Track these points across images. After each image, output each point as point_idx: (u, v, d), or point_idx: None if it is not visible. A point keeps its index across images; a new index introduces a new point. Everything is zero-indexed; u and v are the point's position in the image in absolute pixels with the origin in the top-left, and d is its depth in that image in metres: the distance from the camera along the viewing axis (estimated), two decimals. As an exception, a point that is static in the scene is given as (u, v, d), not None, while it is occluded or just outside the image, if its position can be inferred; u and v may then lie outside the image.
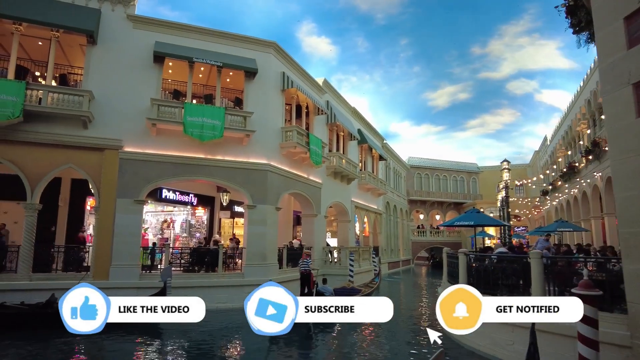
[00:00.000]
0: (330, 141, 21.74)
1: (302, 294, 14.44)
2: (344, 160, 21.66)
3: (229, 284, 14.24)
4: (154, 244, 16.60)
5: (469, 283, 9.57)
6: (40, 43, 14.12)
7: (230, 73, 16.16)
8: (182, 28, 15.41)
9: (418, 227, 43.68)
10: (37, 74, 15.58)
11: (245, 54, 15.95)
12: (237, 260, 15.75)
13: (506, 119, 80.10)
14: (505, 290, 8.60)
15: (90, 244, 13.94)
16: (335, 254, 20.11)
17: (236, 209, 20.62)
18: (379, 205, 30.57)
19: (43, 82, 14.05)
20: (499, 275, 8.88)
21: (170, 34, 15.01)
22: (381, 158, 29.42)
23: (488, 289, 8.64)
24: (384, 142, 33.42)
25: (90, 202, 15.60)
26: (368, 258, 23.05)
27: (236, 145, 15.13)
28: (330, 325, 12.02)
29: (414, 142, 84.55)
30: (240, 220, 20.95)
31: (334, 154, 21.20)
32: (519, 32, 71.93)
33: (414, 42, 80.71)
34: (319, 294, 13.03)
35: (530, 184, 30.74)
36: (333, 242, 24.30)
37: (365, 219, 28.01)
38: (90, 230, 15.61)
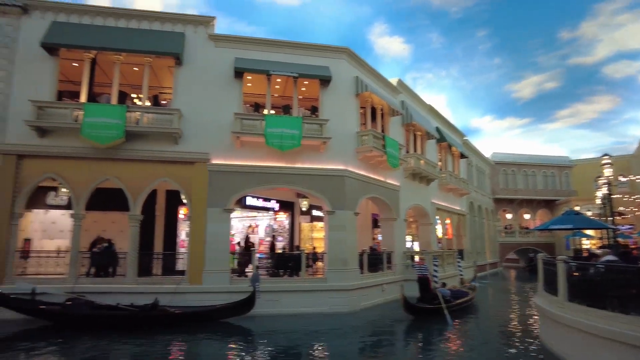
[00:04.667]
0: (407, 142, 21.22)
1: (422, 298, 14.54)
2: (422, 161, 21.01)
3: (313, 289, 14.48)
4: (239, 243, 17.41)
5: (571, 294, 8.70)
6: (136, 69, 15.58)
7: (306, 82, 16.50)
8: (259, 42, 16.06)
9: (505, 228, 40.97)
10: (133, 96, 17.26)
11: (318, 62, 16.18)
12: (312, 264, 15.99)
13: (603, 106, 72.30)
14: (616, 304, 7.62)
15: (185, 250, 15.07)
16: (417, 259, 19.54)
17: (315, 213, 20.96)
18: (462, 205, 29.18)
19: (139, 104, 15.50)
20: (609, 286, 7.90)
21: (248, 49, 15.72)
22: (462, 156, 28.08)
23: (595, 302, 7.76)
24: (465, 138, 31.86)
25: (183, 211, 16.85)
26: (453, 262, 22.08)
27: (314, 153, 15.38)
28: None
29: (498, 137, 79.71)
30: (319, 224, 21.29)
31: (412, 155, 20.65)
32: (618, 9, 64.54)
33: (493, 33, 76.23)
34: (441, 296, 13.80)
35: (638, 180, 27.24)
36: (414, 246, 23.66)
37: (448, 221, 26.90)
38: (183, 237, 16.87)
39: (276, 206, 19.85)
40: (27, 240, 15.33)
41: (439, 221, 24.82)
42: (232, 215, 15.17)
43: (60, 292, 12.35)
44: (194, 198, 14.37)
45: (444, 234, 26.36)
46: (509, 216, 42.32)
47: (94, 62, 14.72)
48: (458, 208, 27.97)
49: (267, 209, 19.58)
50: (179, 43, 14.78)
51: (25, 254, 14.57)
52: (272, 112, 16.38)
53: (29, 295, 11.98)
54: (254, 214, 19.82)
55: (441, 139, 24.32)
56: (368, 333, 12.32)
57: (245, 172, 14.76)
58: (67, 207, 15.01)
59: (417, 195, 21.42)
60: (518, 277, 32.10)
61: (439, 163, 25.31)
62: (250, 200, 18.17)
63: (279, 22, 74.77)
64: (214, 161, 14.58)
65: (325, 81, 15.91)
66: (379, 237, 21.78)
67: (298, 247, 18.49)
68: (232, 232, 17.86)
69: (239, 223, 19.51)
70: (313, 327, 12.48)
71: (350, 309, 14.53)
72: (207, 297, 13.42)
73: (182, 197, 14.81)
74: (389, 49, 78.73)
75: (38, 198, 15.44)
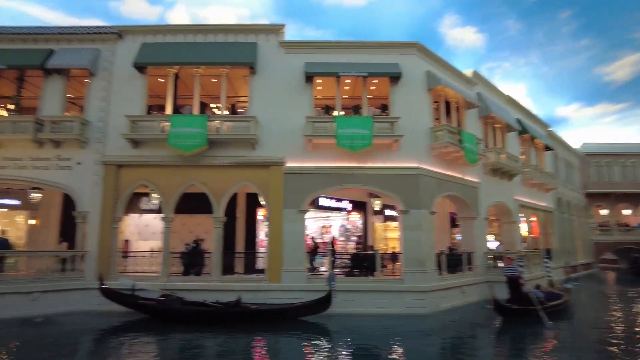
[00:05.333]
0: (486, 136, 20.14)
1: (512, 299, 14.02)
2: (503, 155, 19.80)
3: (389, 289, 14.32)
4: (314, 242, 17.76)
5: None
6: (214, 80, 16.58)
7: (375, 81, 16.41)
8: (327, 45, 16.29)
9: (600, 225, 37.13)
10: (213, 106, 18.38)
11: (388, 59, 15.98)
12: (387, 264, 15.80)
13: None
14: None
15: (264, 250, 15.72)
16: (502, 259, 18.45)
17: (388, 213, 20.71)
18: (549, 201, 27.00)
19: (218, 113, 16.48)
20: None
21: (317, 53, 15.99)
22: (547, 148, 25.99)
23: None
24: (549, 129, 29.47)
25: (261, 212, 17.60)
26: (539, 263, 20.52)
27: (385, 151, 15.21)
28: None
29: (587, 127, 72.60)
30: (393, 224, 21.00)
31: (491, 149, 19.55)
32: None
33: (579, 12, 69.68)
34: (534, 297, 13.26)
35: None
36: (495, 245, 22.36)
37: (533, 219, 25.06)
38: (262, 237, 17.62)
39: (349, 206, 19.95)
40: (126, 241, 17.00)
41: (523, 219, 23.21)
42: (307, 215, 15.50)
43: (155, 289, 13.54)
44: (270, 200, 14.94)
45: (529, 232, 24.57)
46: (603, 212, 38.26)
47: (176, 77, 15.95)
48: (544, 204, 25.93)
49: (339, 209, 19.75)
50: (252, 53, 15.48)
51: (125, 253, 16.19)
52: (342, 113, 16.50)
53: (129, 290, 13.31)
54: (327, 214, 20.10)
55: (523, 130, 22.74)
56: (449, 335, 11.93)
57: (317, 174, 15.04)
58: (158, 211, 16.40)
59: (499, 192, 20.23)
60: (618, 280, 28.87)
61: (522, 157, 23.68)
62: (323, 201, 18.47)
63: (346, 24, 75.06)
64: (288, 164, 15.05)
65: (395, 78, 15.67)
66: (458, 237, 20.92)
67: (372, 247, 18.40)
68: (307, 231, 18.31)
69: (313, 223, 19.91)
70: (390, 327, 12.35)
71: (428, 311, 14.15)
72: (286, 295, 13.88)
73: (260, 199, 15.46)
74: (461, 40, 75.39)
75: (133, 203, 17.08)
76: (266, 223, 15.34)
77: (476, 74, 20.23)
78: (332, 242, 16.98)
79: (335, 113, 15.81)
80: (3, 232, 15.73)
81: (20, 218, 19.36)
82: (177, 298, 13.03)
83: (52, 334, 11.48)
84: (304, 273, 14.56)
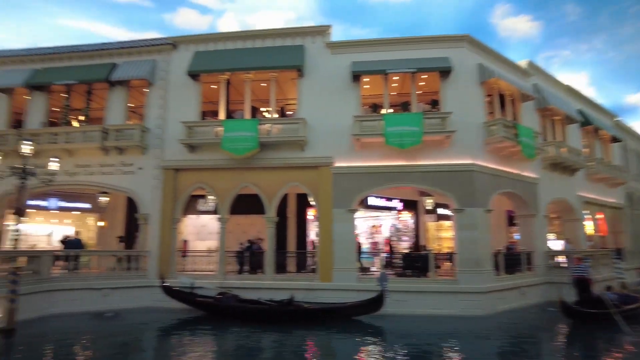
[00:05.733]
0: (544, 129, 19.05)
1: (581, 301, 13.40)
2: (563, 149, 18.63)
3: (443, 290, 13.95)
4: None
5: None
6: (263, 84, 17.00)
7: (424, 76, 16.07)
8: (373, 43, 16.15)
9: (680, 222, 33.82)
10: (263, 109, 18.86)
11: (437, 54, 15.59)
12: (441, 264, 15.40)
13: None
14: None
15: (313, 249, 15.89)
16: (563, 259, 17.38)
17: (441, 212, 20.17)
18: (618, 197, 25.03)
19: (268, 116, 16.89)
20: None
21: (363, 52, 15.92)
22: (614, 139, 24.09)
23: None
24: (616, 119, 27.29)
25: (312, 212, 17.82)
26: (608, 263, 19.09)
27: (437, 148, 14.84)
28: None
29: (662, 114, 66.47)
30: (446, 223, 20.41)
31: (550, 142, 18.47)
32: None
33: (648, -11, 63.78)
34: (607, 300, 12.57)
35: None
36: (557, 245, 21.08)
37: (600, 216, 23.34)
38: (312, 236, 17.83)
39: (399, 205, 19.66)
40: (185, 241, 17.85)
41: (588, 216, 21.69)
42: (356, 215, 15.48)
43: (212, 287, 14.12)
44: (320, 200, 15.09)
45: (596, 230, 22.92)
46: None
47: (228, 83, 16.52)
48: (612, 200, 24.06)
49: (390, 209, 19.52)
50: (300, 55, 15.71)
51: (184, 253, 17.01)
52: (391, 110, 16.30)
53: (188, 288, 13.98)
54: (377, 213, 19.94)
55: (585, 122, 21.26)
56: (508, 338, 11.44)
57: (366, 173, 14.97)
58: (214, 212, 17.06)
59: (560, 188, 19.06)
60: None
61: (585, 150, 22.14)
62: (372, 200, 18.34)
63: (393, 21, 73.81)
64: (337, 164, 15.11)
65: (445, 73, 15.26)
66: (516, 236, 19.96)
67: (425, 247, 18.03)
68: (357, 231, 18.28)
69: (363, 223, 19.83)
70: (445, 329, 12.05)
71: (484, 312, 13.63)
72: (337, 294, 13.95)
73: (310, 199, 15.65)
74: (514, 30, 71.66)
75: (191, 205, 17.89)
76: (316, 223, 15.50)
77: (532, 65, 19.20)
78: (389, 243, 16.81)
79: (384, 111, 15.67)
80: (77, 233, 17.09)
81: (90, 220, 20.94)
82: (233, 296, 13.51)
83: (120, 328, 12.35)
84: (355, 273, 14.55)
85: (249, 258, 15.65)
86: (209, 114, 17.85)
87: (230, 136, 14.86)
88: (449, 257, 15.58)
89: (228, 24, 63.01)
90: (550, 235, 20.47)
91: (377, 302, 12.67)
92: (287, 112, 18.20)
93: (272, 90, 15.96)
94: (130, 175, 16.29)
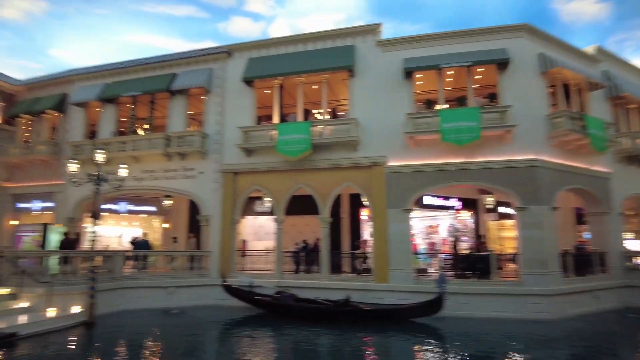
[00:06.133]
0: (617, 119, 17.58)
1: None
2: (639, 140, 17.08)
3: (506, 293, 13.31)
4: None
5: None
6: (315, 87, 17.19)
7: (480, 69, 15.45)
8: (425, 39, 15.76)
9: None
10: (315, 111, 19.07)
11: (493, 45, 14.93)
12: (504, 265, 14.68)
13: None
14: None
15: (367, 250, 15.80)
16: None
17: (503, 210, 19.24)
18: None
19: (320, 118, 17.05)
20: None
21: (415, 48, 15.61)
22: (701, 128, 21.68)
23: None
24: None
25: (365, 212, 17.73)
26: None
27: (496, 144, 14.20)
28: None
29: None
30: (509, 222, 19.45)
31: (624, 133, 17.00)
32: None
33: None
34: None
35: None
36: (636, 245, 19.33)
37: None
38: (366, 237, 17.73)
39: (457, 204, 19.01)
40: (244, 242, 18.46)
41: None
42: (412, 215, 15.19)
43: (270, 286, 14.49)
44: (374, 200, 14.98)
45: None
46: None
47: (281, 87, 16.89)
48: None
49: (447, 208, 18.93)
50: (350, 56, 15.72)
51: (243, 253, 17.59)
52: (446, 106, 15.83)
53: (248, 287, 14.45)
54: (434, 213, 19.41)
55: (666, 109, 19.32)
56: (580, 344, 10.68)
57: (421, 172, 14.65)
58: (271, 213, 17.50)
59: (637, 183, 17.49)
60: None
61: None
62: (428, 200, 17.87)
63: (445, 15, 71.43)
64: (391, 163, 14.93)
65: (503, 64, 14.58)
66: (586, 235, 18.59)
67: (486, 248, 17.30)
68: (413, 231, 17.93)
69: (419, 223, 19.40)
70: (509, 333, 11.48)
71: (552, 316, 12.82)
72: (393, 295, 13.78)
73: (364, 199, 15.59)
74: (580, 14, 66.71)
75: (249, 206, 18.46)
76: (370, 223, 15.40)
77: (600, 50, 17.79)
78: (450, 243, 16.33)
79: (438, 107, 15.25)
80: (144, 234, 18.25)
81: (156, 222, 22.26)
82: (291, 295, 13.78)
83: (186, 324, 13.01)
84: (412, 274, 14.28)
85: (305, 258, 15.89)
86: (264, 118, 18.36)
87: (284, 139, 15.19)
88: (513, 257, 14.84)
89: (279, 30, 64.40)
90: (628, 235, 18.84)
91: (436, 304, 12.34)
92: (339, 113, 18.27)
93: (323, 92, 16.11)
94: (192, 179, 17.15)
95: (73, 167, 14.71)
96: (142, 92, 17.98)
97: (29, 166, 19.99)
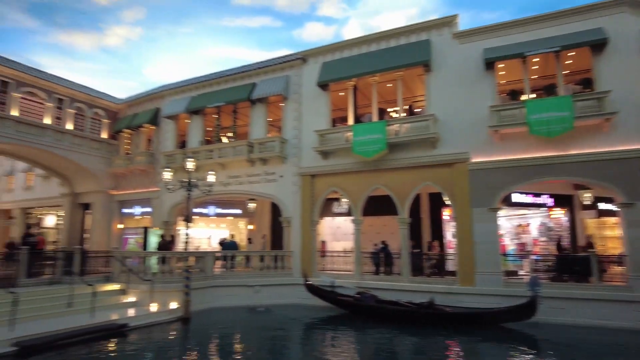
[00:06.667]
0: None
1: None
2: None
3: (611, 298, 11.98)
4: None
5: None
6: (389, 85, 17.00)
7: (571, 53, 14.13)
8: (507, 26, 14.77)
9: None
10: (390, 110, 18.84)
11: (586, 25, 13.54)
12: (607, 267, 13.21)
13: None
14: None
15: (453, 251, 15.22)
16: None
17: (603, 207, 17.34)
18: None
19: (396, 116, 16.81)
20: None
21: (496, 37, 14.71)
22: None
23: None
24: None
25: (447, 212, 17.10)
26: None
27: (593, 134, 12.87)
28: None
29: None
30: (611, 220, 17.49)
31: None
32: None
33: None
34: None
35: None
36: None
37: None
38: (449, 237, 17.08)
39: (549, 201, 17.53)
40: (323, 242, 18.80)
41: None
42: (499, 214, 14.33)
43: (351, 286, 14.58)
44: (456, 199, 14.39)
45: None
46: None
47: (355, 88, 16.95)
48: None
49: (538, 205, 17.53)
50: (426, 51, 15.29)
51: (323, 253, 17.93)
52: (533, 96, 14.73)
53: (329, 287, 14.68)
54: (523, 211, 18.10)
55: None
56: None
57: (508, 167, 13.75)
58: (348, 214, 17.64)
59: None
60: None
61: None
62: (517, 197, 16.70)
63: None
64: (474, 160, 14.23)
65: (598, 46, 13.16)
66: None
67: (584, 248, 15.75)
68: (501, 231, 16.89)
69: (507, 222, 18.23)
70: (614, 344, 10.33)
71: (669, 327, 11.28)
72: (480, 299, 13.11)
73: (445, 198, 15.06)
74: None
75: (327, 208, 18.76)
76: (453, 223, 14.81)
77: None
78: (559, 245, 15.15)
79: (524, 97, 14.23)
80: (232, 236, 19.39)
81: (241, 224, 23.51)
82: (372, 296, 13.75)
83: (271, 321, 13.61)
84: (500, 276, 13.47)
85: (384, 259, 15.76)
86: (339, 120, 18.57)
87: (359, 140, 15.22)
88: (618, 259, 13.33)
89: (352, 31, 64.64)
90: None
91: (528, 308, 11.50)
92: (416, 110, 17.84)
93: (398, 90, 15.87)
94: (273, 182, 17.89)
95: (167, 175, 16.09)
96: (225, 103, 19.14)
97: (130, 175, 22.30)
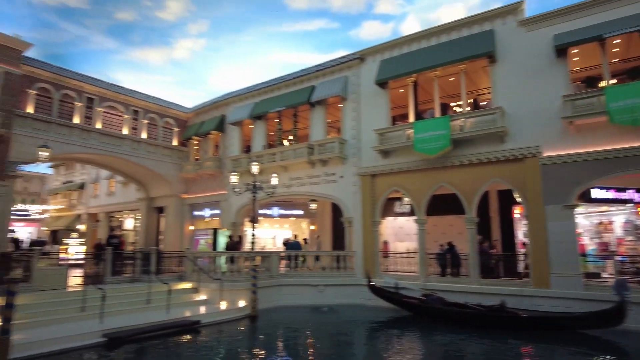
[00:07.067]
0: None
1: None
2: None
3: None
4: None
5: None
6: (452, 79, 16.43)
7: (660, 32, 12.72)
8: (580, 8, 13.54)
9: None
10: (453, 104, 18.20)
11: (678, 0, 12.16)
12: None
13: None
14: None
15: (524, 251, 14.33)
16: None
17: None
18: None
19: (460, 111, 16.20)
20: None
21: (567, 21, 13.63)
22: None
23: None
24: None
25: (517, 210, 16.15)
26: None
27: (689, 121, 11.49)
28: None
29: None
30: None
31: None
32: None
33: None
34: None
35: None
36: None
37: None
38: (520, 237, 16.11)
39: (636, 197, 15.90)
40: (385, 243, 18.57)
41: None
42: (577, 211, 13.27)
43: (416, 288, 14.25)
44: (528, 196, 13.53)
45: None
46: None
47: (415, 84, 16.57)
48: None
49: (622, 202, 15.96)
50: (490, 41, 14.57)
51: (385, 254, 17.71)
52: (613, 82, 13.48)
53: (393, 288, 14.45)
54: (605, 208, 16.58)
55: None
56: None
57: (585, 161, 12.66)
58: (410, 213, 17.28)
59: None
60: None
61: None
62: (597, 193, 15.31)
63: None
64: (546, 154, 13.29)
65: (693, 22, 11.75)
66: None
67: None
68: (579, 230, 15.62)
69: (585, 220, 16.81)
70: None
71: None
72: (555, 302, 12.23)
73: (515, 195, 14.24)
74: None
75: (388, 207, 18.52)
76: (525, 222, 13.96)
77: None
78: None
79: (603, 84, 13.05)
80: (295, 236, 19.79)
81: (304, 224, 23.92)
82: (438, 298, 13.33)
83: (335, 321, 13.70)
84: (579, 279, 12.44)
85: (451, 260, 15.22)
86: (399, 118, 18.27)
87: (421, 137, 14.86)
88: None
89: (410, 27, 63.41)
90: None
91: (615, 314, 10.50)
92: (481, 103, 17.06)
93: (462, 83, 15.28)
94: (333, 183, 18.02)
95: (233, 178, 16.86)
96: (286, 107, 19.61)
97: (200, 180, 23.58)
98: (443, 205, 15.95)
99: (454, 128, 14.52)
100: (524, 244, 15.33)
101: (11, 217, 18.67)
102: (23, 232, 29.66)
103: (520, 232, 16.14)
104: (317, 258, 17.28)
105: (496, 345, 10.32)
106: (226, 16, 67.42)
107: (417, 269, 15.58)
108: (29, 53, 18.30)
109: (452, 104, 18.21)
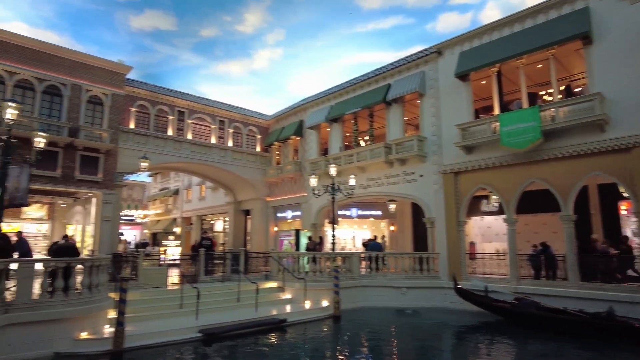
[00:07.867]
0: None
1: None
2: None
3: None
4: None
5: None
6: (539, 66, 15.18)
7: None
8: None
9: None
10: (542, 93, 16.80)
11: None
12: None
13: None
14: None
15: (638, 252, 12.73)
16: None
17: None
18: None
19: (550, 99, 14.90)
20: None
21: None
22: None
23: None
24: None
25: (624, 206, 14.41)
26: None
27: None
28: None
29: None
30: None
31: None
32: None
33: None
34: None
35: None
36: None
37: None
38: (629, 235, 14.31)
39: None
40: (472, 244, 17.67)
41: None
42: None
43: (507, 292, 13.37)
44: (638, 190, 12.00)
45: None
46: None
47: (499, 75, 15.57)
48: None
49: None
50: (584, 20, 13.17)
51: (472, 255, 16.85)
52: None
53: (482, 292, 13.70)
54: None
55: None
56: None
57: None
58: (499, 212, 16.26)
59: None
60: None
61: None
62: None
63: None
64: (658, 141, 11.71)
65: None
66: None
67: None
68: None
69: None
70: None
71: None
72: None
73: (621, 190, 12.72)
74: None
75: (474, 206, 17.60)
76: (634, 219, 12.40)
77: None
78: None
79: None
80: (374, 237, 19.67)
81: (383, 225, 23.69)
82: (533, 302, 12.38)
83: (420, 324, 13.37)
84: None
85: (546, 262, 14.01)
86: (482, 111, 17.32)
87: (508, 130, 13.91)
88: None
89: (490, 15, 59.62)
90: None
91: None
92: (575, 90, 15.53)
93: (552, 70, 14.00)
94: (413, 183, 17.61)
95: (313, 181, 17.26)
96: (362, 108, 19.61)
97: (281, 183, 24.54)
98: (535, 202, 14.80)
99: (544, 119, 13.37)
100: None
101: (120, 221, 21.11)
102: (129, 235, 33.19)
103: (629, 230, 14.36)
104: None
105: (599, 355, 9.35)
106: (301, 23, 69.18)
107: (507, 271, 14.59)
108: (130, 75, 20.50)
109: (541, 93, 16.81)
